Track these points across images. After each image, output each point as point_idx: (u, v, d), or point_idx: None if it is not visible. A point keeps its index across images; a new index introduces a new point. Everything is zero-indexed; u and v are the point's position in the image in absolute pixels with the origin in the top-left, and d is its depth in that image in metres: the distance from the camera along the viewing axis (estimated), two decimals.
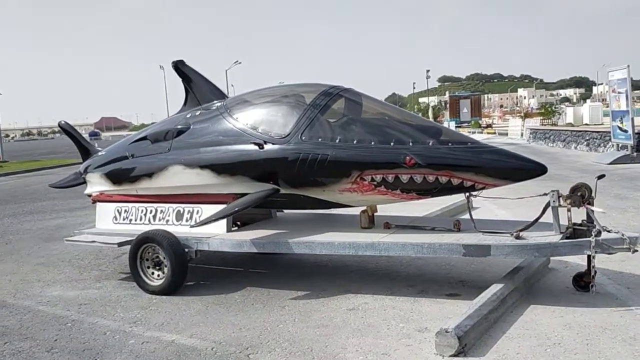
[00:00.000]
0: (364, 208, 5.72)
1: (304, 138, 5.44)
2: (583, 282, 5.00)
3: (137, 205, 6.62)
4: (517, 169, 4.91)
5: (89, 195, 7.18)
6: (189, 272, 5.87)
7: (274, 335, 4.51)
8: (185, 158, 6.06)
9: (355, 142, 5.24)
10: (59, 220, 11.18)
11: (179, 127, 6.31)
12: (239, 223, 6.86)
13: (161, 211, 6.40)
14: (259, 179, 5.69)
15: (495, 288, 4.74)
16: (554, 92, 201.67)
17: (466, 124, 53.17)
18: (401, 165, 5.02)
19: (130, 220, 6.64)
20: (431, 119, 64.06)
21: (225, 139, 5.91)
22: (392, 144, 5.11)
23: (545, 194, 4.87)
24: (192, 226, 5.73)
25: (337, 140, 5.31)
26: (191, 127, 6.26)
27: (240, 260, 6.91)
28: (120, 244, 6.09)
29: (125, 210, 6.70)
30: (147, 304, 5.51)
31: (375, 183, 5.18)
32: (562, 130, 24.47)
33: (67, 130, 7.73)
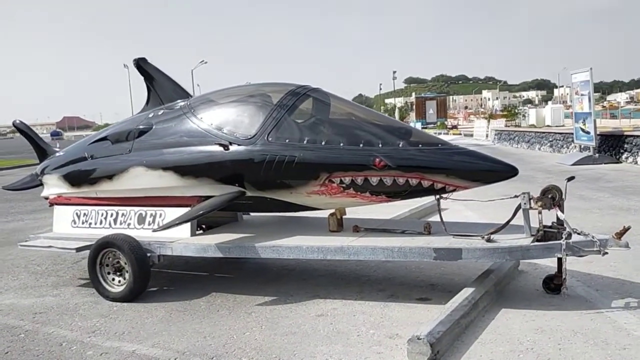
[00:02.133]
0: (332, 211, 5.58)
1: (270, 139, 5.28)
2: (553, 284, 4.98)
3: (97, 208, 6.34)
4: (488, 170, 4.85)
5: (46, 198, 6.87)
6: (152, 277, 5.65)
7: (240, 343, 4.33)
8: (147, 159, 5.83)
9: (323, 143, 5.11)
10: (16, 224, 10.75)
11: (141, 127, 6.07)
12: (204, 226, 6.68)
13: (122, 214, 6.15)
14: (224, 181, 5.50)
15: (466, 292, 4.67)
16: (517, 94, 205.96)
17: (432, 125, 53.67)
18: (370, 167, 4.90)
19: (90, 224, 6.36)
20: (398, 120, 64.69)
21: (189, 139, 5.70)
22: (361, 145, 4.99)
23: (516, 196, 4.82)
24: (154, 230, 5.50)
25: (304, 142, 5.17)
26: (153, 127, 6.02)
27: (205, 265, 6.69)
28: (79, 249, 5.83)
29: (85, 214, 6.42)
30: (107, 312, 5.27)
31: (344, 185, 5.05)
32: (526, 131, 24.86)
33: (23, 130, 7.39)
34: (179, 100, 6.23)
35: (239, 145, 5.39)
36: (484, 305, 4.70)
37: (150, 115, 6.19)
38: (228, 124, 5.58)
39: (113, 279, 5.62)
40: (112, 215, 6.22)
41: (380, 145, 4.95)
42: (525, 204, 4.74)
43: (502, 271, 5.33)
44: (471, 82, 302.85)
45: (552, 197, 4.69)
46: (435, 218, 5.25)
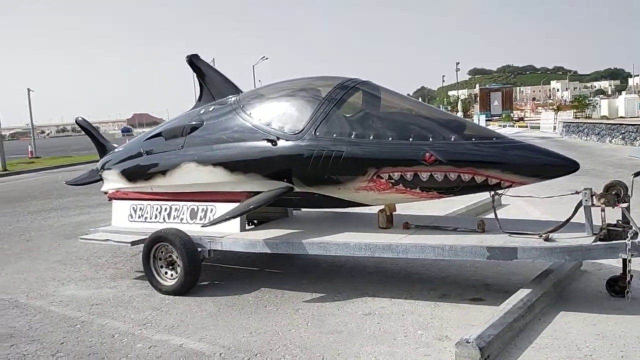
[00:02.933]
0: (382, 207, 5.45)
1: (318, 134, 5.20)
2: (618, 287, 4.66)
3: (152, 203, 6.48)
4: (547, 165, 4.58)
5: (105, 193, 7.08)
6: (203, 271, 5.71)
7: (285, 340, 4.29)
8: (198, 155, 5.88)
9: (371, 137, 4.98)
10: (82, 217, 11.18)
11: (192, 123, 6.14)
12: (255, 222, 6.70)
13: (175, 209, 6.25)
14: (272, 177, 5.47)
15: (522, 293, 4.44)
16: (588, 85, 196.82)
17: (497, 117, 52.17)
18: (420, 162, 4.74)
19: (145, 218, 6.50)
20: (461, 113, 63.18)
21: (238, 135, 5.71)
22: (410, 139, 4.83)
23: (577, 193, 4.54)
24: (203, 225, 5.54)
25: (352, 136, 5.06)
26: (204, 123, 6.07)
27: (255, 260, 6.71)
28: (134, 243, 5.95)
29: (141, 208, 6.57)
30: (159, 305, 5.36)
31: (392, 181, 4.91)
32: (597, 123, 23.70)
33: (84, 126, 7.65)
34: (229, 96, 6.25)
35: (286, 140, 5.34)
36: (541, 308, 4.46)
37: (202, 112, 6.25)
38: (276, 119, 5.55)
39: (166, 273, 5.71)
40: (166, 209, 6.33)
41: (430, 139, 4.78)
42: (586, 200, 4.46)
43: (563, 271, 5.04)
44: (539, 72, 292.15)
45: (616, 194, 4.38)
46: (492, 215, 5.02)
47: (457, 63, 77.09)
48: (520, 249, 4.40)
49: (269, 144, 5.38)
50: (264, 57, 65.36)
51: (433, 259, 5.05)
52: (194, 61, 6.51)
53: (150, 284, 5.81)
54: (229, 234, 5.65)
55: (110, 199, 6.95)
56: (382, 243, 4.86)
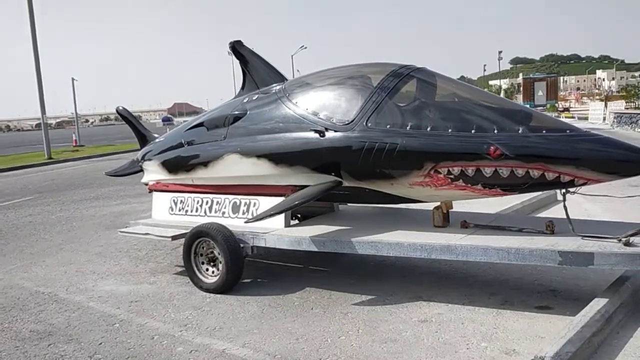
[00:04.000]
0: (437, 204, 5.05)
1: (369, 125, 4.83)
2: None
3: (193, 195, 6.23)
4: (627, 161, 4.09)
5: (146, 184, 6.87)
6: (246, 268, 5.43)
7: (335, 349, 3.97)
8: (241, 146, 5.59)
9: (429, 129, 4.57)
10: (124, 207, 11.10)
11: (235, 112, 5.84)
12: (299, 216, 6.39)
13: (217, 203, 5.98)
14: (319, 170, 5.13)
15: (598, 304, 3.99)
16: (636, 74, 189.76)
17: (541, 108, 50.58)
18: (484, 156, 4.31)
19: (186, 211, 6.26)
20: None
21: (283, 125, 5.38)
22: (472, 131, 4.41)
23: None
24: (247, 221, 5.24)
25: (407, 127, 4.66)
26: (248, 112, 5.77)
27: (300, 256, 6.39)
28: (174, 238, 5.71)
29: (181, 201, 6.33)
30: (200, 304, 5.11)
31: (452, 176, 4.51)
32: None
33: (124, 115, 7.47)
34: (274, 85, 5.92)
35: (335, 131, 4.99)
36: (619, 320, 4.01)
37: (245, 100, 5.94)
38: (324, 108, 5.19)
39: (207, 269, 5.46)
40: (207, 203, 6.07)
41: (495, 131, 4.35)
42: None
43: (639, 279, 4.56)
44: (584, 61, 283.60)
45: None
46: (551, 213, 4.57)
47: (500, 52, 75.34)
48: (598, 254, 3.95)
49: (317, 135, 5.03)
50: (302, 46, 65.15)
51: (494, 262, 4.60)
52: (237, 48, 6.21)
53: (190, 280, 5.57)
54: (273, 230, 5.35)
55: (151, 190, 6.74)
56: (440, 244, 4.47)
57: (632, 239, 4.04)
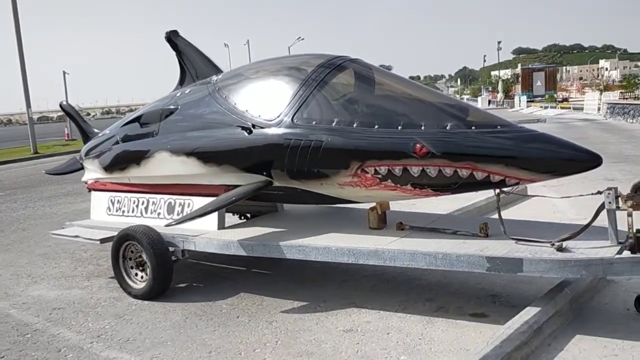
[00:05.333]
0: (373, 204, 4.75)
1: (296, 121, 4.52)
2: None
3: (129, 195, 5.94)
4: (561, 159, 3.78)
5: (86, 183, 6.58)
6: (185, 270, 5.16)
7: None
8: (171, 143, 5.29)
9: (355, 125, 4.27)
10: (86, 204, 10.79)
11: (167, 107, 5.54)
12: (248, 216, 6.11)
13: (153, 203, 5.69)
14: (248, 170, 4.83)
15: (528, 313, 3.70)
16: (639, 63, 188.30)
17: (540, 98, 50.07)
18: (410, 154, 4.01)
19: (123, 212, 5.98)
20: (501, 94, 61.00)
21: (212, 121, 5.08)
22: (399, 128, 4.10)
23: (599, 193, 3.74)
24: (166, 225, 4.94)
25: (333, 124, 4.35)
26: (179, 107, 5.46)
27: (247, 258, 6.07)
28: (103, 241, 5.44)
29: (118, 201, 6.05)
30: (123, 312, 4.83)
31: (380, 176, 4.20)
32: None
33: (67, 111, 7.19)
34: (209, 77, 5.61)
35: (262, 128, 4.68)
36: (551, 331, 3.71)
37: (178, 95, 5.65)
38: (253, 103, 4.89)
39: (136, 274, 5.18)
40: (143, 203, 5.79)
41: (422, 128, 4.03)
42: (610, 203, 3.66)
43: (583, 283, 4.26)
44: (587, 51, 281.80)
45: None
46: (519, 209, 4.26)
47: (499, 42, 74.67)
48: (527, 260, 3.65)
49: (244, 132, 4.73)
50: (299, 37, 64.56)
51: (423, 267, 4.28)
52: (172, 38, 5.90)
53: (120, 286, 5.29)
54: (205, 232, 5.06)
55: (90, 189, 6.45)
56: (367, 249, 4.18)
57: (565, 243, 3.73)
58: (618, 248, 3.64)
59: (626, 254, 3.61)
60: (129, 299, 5.11)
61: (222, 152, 4.92)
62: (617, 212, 3.71)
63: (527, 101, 46.52)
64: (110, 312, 4.85)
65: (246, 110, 4.85)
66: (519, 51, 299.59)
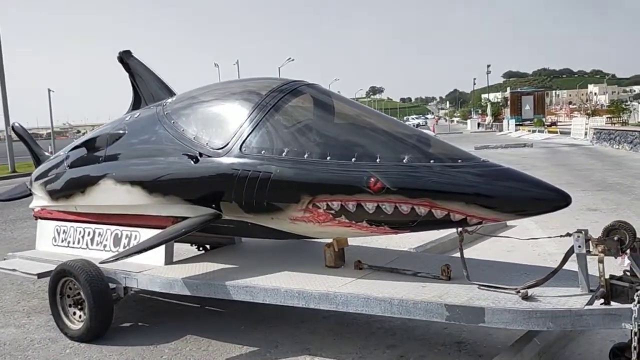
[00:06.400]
0: (329, 241, 4.38)
1: (244, 150, 4.16)
2: (625, 358, 3.49)
3: (75, 225, 5.54)
4: (526, 198, 3.43)
5: (33, 210, 6.17)
6: (136, 307, 4.74)
7: None
8: (116, 171, 4.91)
9: (306, 156, 3.91)
10: None
11: (114, 132, 5.17)
12: (207, 247, 5.73)
13: (99, 234, 5.29)
14: (195, 201, 4.45)
15: None
16: (627, 89, 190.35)
17: (528, 122, 50.18)
18: (364, 189, 3.65)
19: (69, 242, 5.57)
20: (490, 117, 61.16)
21: (159, 148, 4.72)
22: (353, 160, 3.74)
23: (568, 235, 3.38)
24: (102, 262, 4.53)
25: (283, 154, 4.00)
26: (126, 132, 5.09)
27: None
28: (40, 276, 5.04)
29: (64, 231, 5.64)
30: (55, 356, 4.41)
31: (332, 212, 3.83)
32: (630, 130, 22.02)
33: (19, 133, 6.80)
34: (160, 101, 5.25)
35: (209, 156, 4.32)
36: None
37: (127, 119, 5.28)
38: (201, 130, 4.53)
39: (74, 313, 4.75)
40: (89, 234, 5.38)
41: (378, 160, 3.68)
42: (580, 247, 3.30)
43: (553, 332, 3.89)
44: (576, 75, 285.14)
45: (619, 240, 3.22)
46: (495, 241, 3.91)
47: (488, 65, 75.43)
48: (489, 310, 3.28)
49: (190, 161, 4.36)
50: (289, 58, 64.67)
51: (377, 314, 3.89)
52: (124, 59, 5.55)
53: (57, 325, 4.85)
54: (150, 268, 4.66)
55: (36, 217, 6.04)
56: (319, 292, 3.79)
57: (531, 291, 3.37)
58: (589, 297, 3.28)
59: (598, 304, 3.25)
60: (66, 341, 4.68)
61: (168, 182, 4.54)
62: (589, 257, 3.36)
63: (516, 125, 46.59)
64: (40, 356, 4.42)
65: (194, 137, 4.49)
66: (509, 74, 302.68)
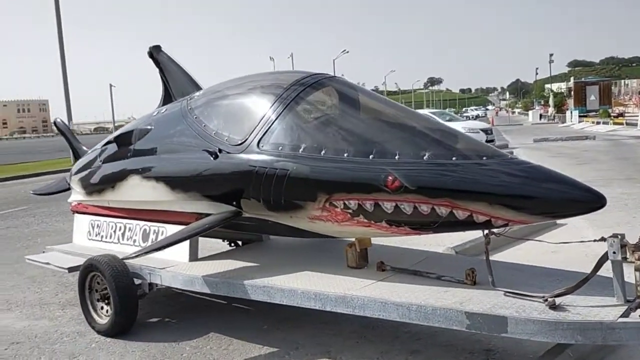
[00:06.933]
0: (352, 241, 4.22)
1: (262, 146, 4.05)
2: None
3: (108, 220, 5.60)
4: (557, 199, 3.16)
5: (70, 204, 6.29)
6: (165, 302, 4.75)
7: None
8: (143, 167, 4.91)
9: (323, 152, 3.75)
10: None
11: (142, 127, 5.17)
12: (239, 243, 5.70)
13: (129, 229, 5.33)
14: (216, 198, 4.38)
15: None
16: None
17: (593, 113, 48.03)
18: (382, 188, 3.46)
19: (102, 237, 5.64)
20: (552, 109, 58.89)
21: (182, 144, 4.68)
22: (371, 156, 3.56)
23: (603, 239, 3.09)
24: (123, 258, 4.53)
25: (300, 150, 3.85)
26: (153, 128, 5.08)
27: None
28: (71, 270, 5.10)
29: (98, 225, 5.72)
30: (81, 350, 4.45)
31: (350, 211, 3.67)
32: None
33: (60, 128, 6.95)
34: (186, 96, 5.21)
35: (228, 153, 4.23)
36: None
37: (155, 114, 5.27)
38: (222, 125, 4.45)
39: (102, 308, 4.80)
40: (120, 229, 5.43)
41: (397, 157, 3.49)
42: (614, 253, 3.01)
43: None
44: None
45: None
46: (547, 238, 3.68)
47: (551, 55, 72.73)
48: (512, 319, 3.04)
49: (210, 158, 4.29)
50: (344, 50, 64.42)
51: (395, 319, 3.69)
52: (154, 54, 5.55)
53: (85, 319, 4.92)
54: (174, 264, 4.64)
55: (73, 212, 6.15)
56: (335, 294, 3.65)
57: (559, 300, 3.10)
58: (624, 308, 2.98)
59: (634, 316, 2.95)
60: (93, 335, 4.73)
61: (189, 178, 4.50)
62: (626, 265, 3.06)
63: (580, 116, 44.68)
64: (67, 350, 4.48)
65: (214, 133, 4.42)
66: (574, 64, 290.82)
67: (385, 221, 3.61)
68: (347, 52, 63.32)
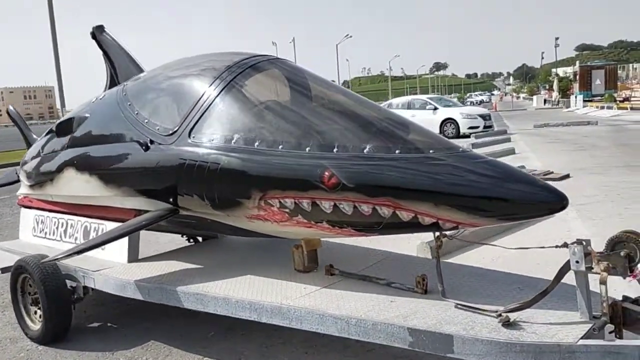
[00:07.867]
0: (299, 242, 3.80)
1: (193, 136, 3.61)
2: None
3: (51, 215, 5.20)
4: (512, 200, 2.71)
5: (18, 197, 5.90)
6: (111, 304, 4.40)
7: None
8: (77, 159, 4.50)
9: (256, 144, 3.32)
10: None
11: (80, 115, 4.75)
12: (199, 239, 5.30)
13: (71, 226, 4.93)
14: (149, 194, 3.96)
15: None
16: None
17: (598, 98, 47.22)
18: (318, 185, 3.03)
19: (45, 233, 5.25)
20: (556, 93, 58.00)
21: (115, 134, 4.25)
22: (307, 149, 3.12)
23: (565, 245, 2.65)
24: (45, 260, 4.12)
25: (233, 142, 3.42)
26: (89, 116, 4.66)
27: None
28: (4, 270, 4.72)
29: (42, 221, 5.32)
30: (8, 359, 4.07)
31: (287, 211, 3.24)
32: None
33: (12, 116, 6.53)
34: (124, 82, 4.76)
35: (159, 144, 3.80)
36: None
37: (93, 101, 4.85)
38: (154, 113, 4.01)
39: (35, 312, 4.42)
40: (62, 225, 5.03)
41: (335, 150, 3.05)
42: (577, 262, 2.57)
43: None
44: None
45: (627, 256, 2.47)
46: (524, 235, 3.26)
47: (557, 39, 71.52)
48: (458, 338, 2.62)
49: (140, 149, 3.86)
50: (347, 35, 63.61)
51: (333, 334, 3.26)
52: (97, 35, 5.10)
53: (19, 324, 4.54)
54: (110, 266, 4.24)
55: (20, 206, 5.76)
56: (271, 304, 3.23)
57: (513, 315, 2.67)
58: (588, 327, 2.55)
59: (606, 333, 2.52)
60: (25, 342, 4.37)
61: (121, 172, 4.08)
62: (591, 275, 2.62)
63: (584, 100, 43.92)
64: None
65: (146, 122, 3.98)
66: (582, 48, 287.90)
67: (326, 222, 3.18)
68: (350, 36, 62.55)
